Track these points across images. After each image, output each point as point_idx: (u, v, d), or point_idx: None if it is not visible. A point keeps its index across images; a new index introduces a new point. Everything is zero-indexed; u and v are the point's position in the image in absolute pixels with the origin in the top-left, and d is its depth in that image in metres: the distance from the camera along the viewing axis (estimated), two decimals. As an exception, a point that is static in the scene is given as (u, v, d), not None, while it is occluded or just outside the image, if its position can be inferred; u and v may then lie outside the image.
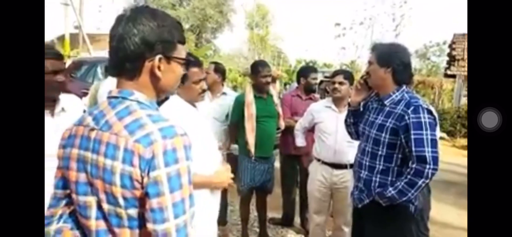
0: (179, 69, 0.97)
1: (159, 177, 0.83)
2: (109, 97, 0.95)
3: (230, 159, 3.23)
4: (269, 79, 3.02)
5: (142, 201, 0.86)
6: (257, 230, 3.37)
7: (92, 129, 0.91)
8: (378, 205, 1.89)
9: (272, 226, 3.56)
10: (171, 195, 0.83)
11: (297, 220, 3.67)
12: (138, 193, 0.85)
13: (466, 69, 11.93)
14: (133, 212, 0.87)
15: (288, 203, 3.61)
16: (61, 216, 1.01)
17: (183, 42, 0.97)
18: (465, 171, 6.72)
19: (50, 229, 1.01)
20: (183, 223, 0.85)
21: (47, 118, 1.58)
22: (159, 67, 0.92)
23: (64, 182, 0.99)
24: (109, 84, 2.63)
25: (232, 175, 1.75)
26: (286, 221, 3.64)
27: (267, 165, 3.05)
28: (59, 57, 1.59)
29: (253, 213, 3.48)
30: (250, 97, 2.96)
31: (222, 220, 3.18)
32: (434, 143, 1.75)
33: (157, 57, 0.91)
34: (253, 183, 3.02)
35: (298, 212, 3.65)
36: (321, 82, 5.97)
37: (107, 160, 0.86)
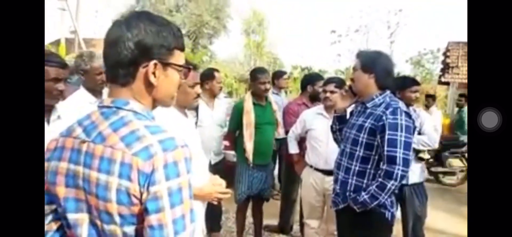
0: (177, 76, 0.92)
1: (160, 192, 0.78)
2: (100, 106, 0.89)
3: (227, 166, 3.22)
4: (268, 86, 3.02)
5: (140, 218, 0.81)
6: (252, 237, 3.36)
7: (83, 141, 0.86)
8: (353, 211, 1.90)
9: (267, 234, 3.54)
10: (171, 211, 0.79)
11: (296, 227, 3.65)
12: (136, 209, 0.81)
13: (460, 76, 12.05)
14: (130, 229, 0.83)
15: (287, 211, 3.59)
16: (46, 233, 0.95)
17: (181, 48, 0.93)
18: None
19: None
20: None
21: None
22: (154, 73, 0.87)
23: (49, 198, 0.92)
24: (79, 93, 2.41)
25: (221, 189, 1.64)
26: (282, 229, 3.61)
27: (265, 173, 3.04)
28: (63, 65, 1.60)
29: (249, 219, 3.46)
30: (248, 104, 2.96)
31: (216, 227, 3.16)
32: (407, 146, 1.79)
33: (152, 62, 0.86)
34: (251, 191, 3.01)
35: (299, 220, 3.63)
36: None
37: (101, 175, 0.81)
